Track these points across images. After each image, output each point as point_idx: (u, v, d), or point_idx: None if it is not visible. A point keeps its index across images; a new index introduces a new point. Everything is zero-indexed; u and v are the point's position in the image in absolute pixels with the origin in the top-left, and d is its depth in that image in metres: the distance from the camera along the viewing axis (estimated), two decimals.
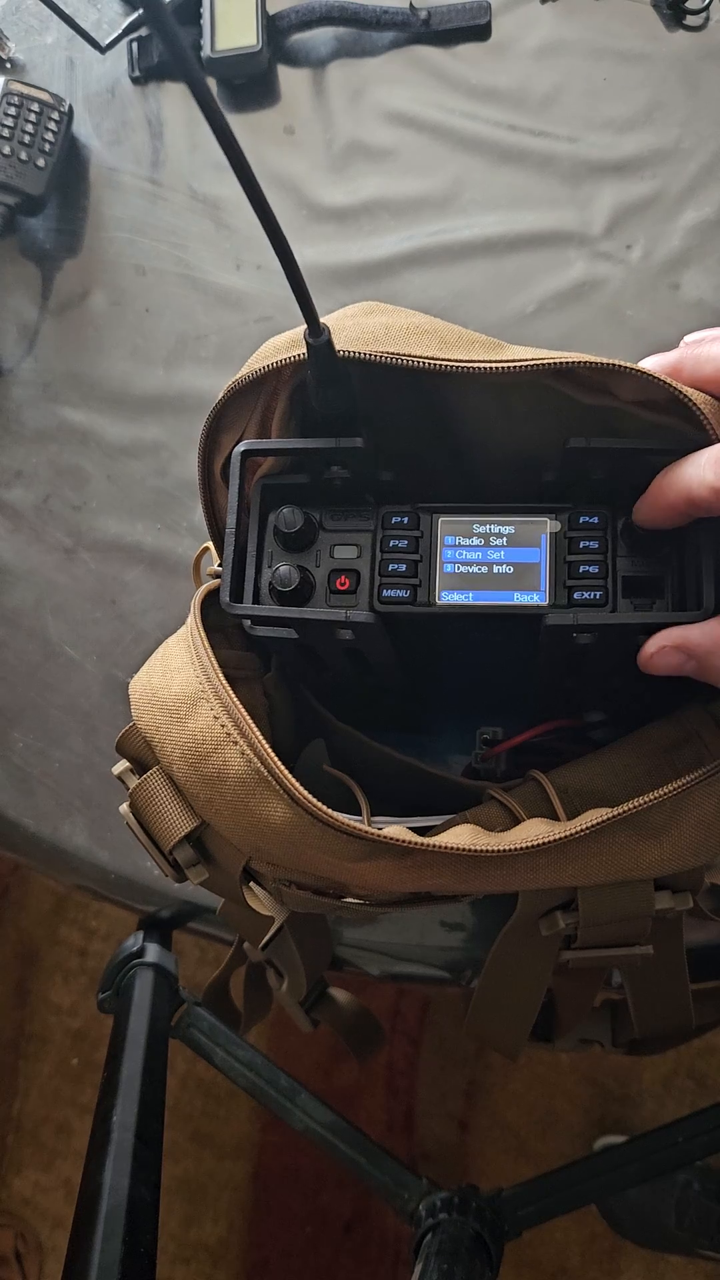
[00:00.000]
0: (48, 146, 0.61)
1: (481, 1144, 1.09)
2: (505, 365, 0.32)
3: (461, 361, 0.32)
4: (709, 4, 0.60)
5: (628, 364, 0.31)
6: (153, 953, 0.60)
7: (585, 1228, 1.05)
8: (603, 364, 0.32)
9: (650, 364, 0.33)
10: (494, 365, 0.32)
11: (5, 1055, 1.17)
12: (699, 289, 0.58)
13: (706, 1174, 1.00)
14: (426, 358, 0.33)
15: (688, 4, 0.60)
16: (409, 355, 0.33)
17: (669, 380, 0.31)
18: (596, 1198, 0.78)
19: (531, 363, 0.32)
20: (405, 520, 0.34)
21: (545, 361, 0.32)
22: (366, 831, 0.31)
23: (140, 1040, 0.54)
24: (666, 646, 0.31)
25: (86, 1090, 1.15)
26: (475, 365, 0.32)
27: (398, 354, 0.33)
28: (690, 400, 0.31)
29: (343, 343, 0.33)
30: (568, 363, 0.32)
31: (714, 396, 0.32)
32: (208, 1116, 1.12)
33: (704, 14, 0.61)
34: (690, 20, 0.61)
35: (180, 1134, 1.11)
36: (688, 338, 0.34)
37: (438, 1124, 1.10)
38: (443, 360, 0.33)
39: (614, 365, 0.32)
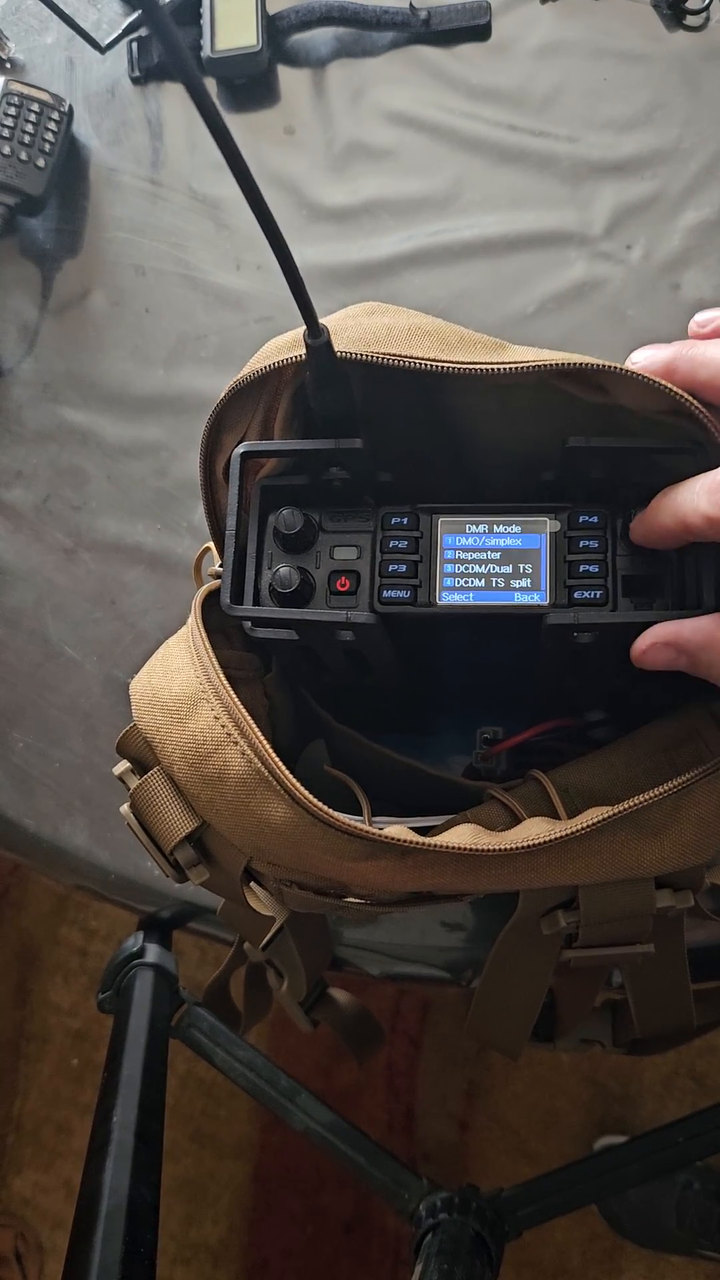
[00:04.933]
0: (48, 147, 0.61)
1: (482, 1144, 1.09)
2: (506, 367, 0.32)
3: (462, 363, 0.32)
4: (709, 4, 0.60)
5: (629, 369, 0.31)
6: (153, 953, 0.60)
7: (585, 1228, 1.05)
8: (604, 367, 0.32)
9: (643, 360, 0.32)
10: (495, 367, 0.32)
11: (5, 1055, 1.17)
12: (699, 289, 0.58)
13: (706, 1174, 1.00)
14: (428, 359, 0.32)
15: (688, 4, 0.60)
16: (410, 356, 0.33)
17: (669, 386, 0.31)
18: (596, 1198, 0.78)
19: (533, 364, 0.32)
20: (405, 521, 0.34)
21: (547, 363, 0.32)
22: (367, 831, 0.31)
23: (140, 1040, 0.54)
24: (658, 643, 0.31)
25: (86, 1090, 1.15)
26: (476, 367, 0.32)
27: (399, 355, 0.33)
28: (693, 407, 0.31)
29: (343, 343, 0.33)
30: (570, 365, 0.32)
31: (707, 404, 0.31)
32: (208, 1116, 1.12)
33: (704, 14, 0.61)
34: (690, 20, 0.61)
35: (180, 1134, 1.11)
36: (697, 316, 0.33)
37: (438, 1124, 1.10)
38: (444, 362, 0.32)
39: (617, 369, 0.31)
